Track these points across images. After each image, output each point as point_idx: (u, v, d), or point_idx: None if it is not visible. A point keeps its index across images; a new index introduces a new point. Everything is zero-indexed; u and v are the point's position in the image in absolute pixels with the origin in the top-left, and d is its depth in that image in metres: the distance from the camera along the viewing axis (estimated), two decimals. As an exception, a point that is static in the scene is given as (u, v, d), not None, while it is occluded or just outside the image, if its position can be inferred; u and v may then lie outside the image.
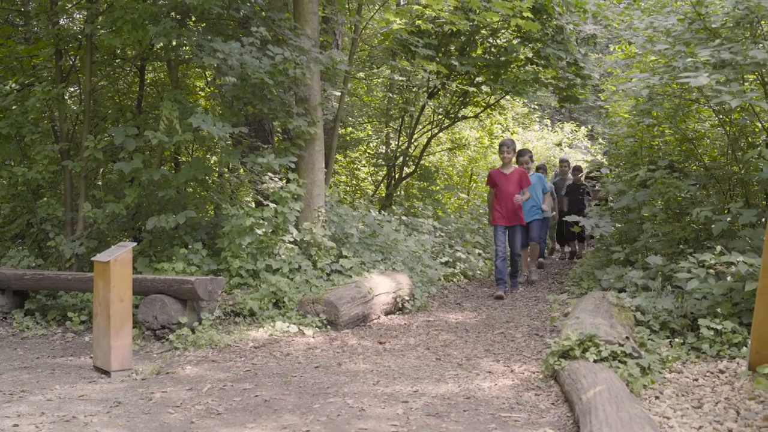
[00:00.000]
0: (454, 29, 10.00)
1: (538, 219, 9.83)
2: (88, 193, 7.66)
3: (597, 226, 8.21)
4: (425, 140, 12.31)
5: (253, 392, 4.50)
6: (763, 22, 6.54)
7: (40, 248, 8.02)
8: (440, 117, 12.19)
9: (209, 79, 9.40)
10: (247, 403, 4.25)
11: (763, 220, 6.35)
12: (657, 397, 4.13)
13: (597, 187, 11.88)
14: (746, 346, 4.76)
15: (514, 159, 8.69)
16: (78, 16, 8.94)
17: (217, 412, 4.09)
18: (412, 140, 11.99)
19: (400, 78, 10.74)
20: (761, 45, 6.23)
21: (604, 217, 8.48)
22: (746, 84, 6.70)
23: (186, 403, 4.27)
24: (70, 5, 8.14)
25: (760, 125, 6.93)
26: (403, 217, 9.78)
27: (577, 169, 12.38)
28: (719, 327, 5.02)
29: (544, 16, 10.07)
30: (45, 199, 8.32)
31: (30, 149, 8.01)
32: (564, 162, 12.58)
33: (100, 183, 8.39)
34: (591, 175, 12.19)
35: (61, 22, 8.25)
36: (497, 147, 9.71)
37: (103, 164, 7.75)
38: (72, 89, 8.73)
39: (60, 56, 7.82)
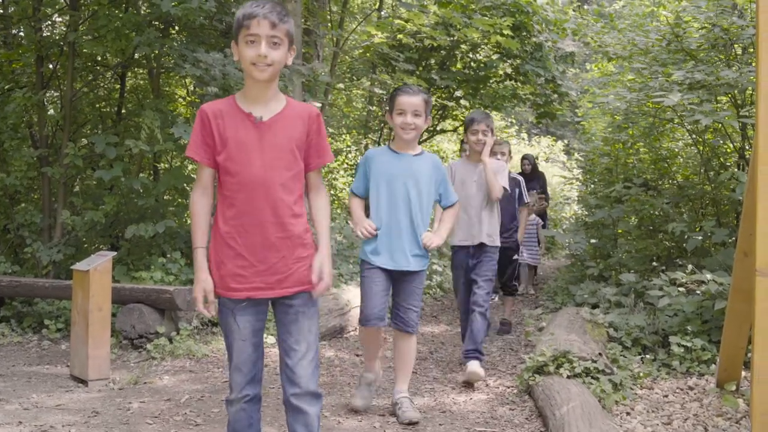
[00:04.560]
0: (435, 44, 10.12)
1: (425, 263, 4.35)
2: (66, 200, 7.64)
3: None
4: (404, 152, 12.38)
5: (230, 403, 4.52)
6: (736, 45, 6.71)
7: (16, 254, 7.96)
8: (419, 130, 12.27)
9: (190, 87, 9.42)
10: (225, 415, 4.27)
11: (734, 239, 6.50)
12: (628, 413, 4.22)
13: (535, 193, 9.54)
14: (715, 363, 4.87)
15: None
16: (59, 19, 8.91)
17: (195, 424, 4.11)
18: (391, 152, 12.05)
19: (381, 91, 10.83)
20: (735, 67, 6.40)
21: (579, 233, 8.59)
22: (718, 105, 6.86)
23: (164, 413, 4.29)
24: (51, 11, 8.14)
25: (732, 146, 7.09)
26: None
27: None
28: (689, 344, 5.14)
29: (524, 33, 10.23)
30: (22, 205, 8.28)
31: (8, 155, 7.98)
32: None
33: (78, 190, 8.36)
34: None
35: (43, 27, 8.22)
36: None
37: (82, 171, 7.74)
38: (49, 94, 8.70)
39: (41, 62, 7.81)
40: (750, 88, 6.20)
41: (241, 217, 2.82)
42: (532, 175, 9.98)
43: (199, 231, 2.87)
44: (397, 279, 4.25)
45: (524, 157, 10.50)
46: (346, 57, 11.52)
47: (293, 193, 2.87)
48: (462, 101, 11.40)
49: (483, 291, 5.27)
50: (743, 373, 4.53)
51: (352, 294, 7.16)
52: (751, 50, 6.56)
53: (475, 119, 5.31)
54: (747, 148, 6.68)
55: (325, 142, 2.98)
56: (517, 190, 6.60)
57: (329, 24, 9.97)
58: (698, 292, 5.54)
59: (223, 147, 2.83)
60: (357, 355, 6.00)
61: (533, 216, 9.14)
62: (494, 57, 10.73)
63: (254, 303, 2.88)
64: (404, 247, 4.20)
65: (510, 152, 6.80)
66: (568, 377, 4.49)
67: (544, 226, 9.93)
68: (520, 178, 6.84)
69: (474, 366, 4.98)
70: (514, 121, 19.01)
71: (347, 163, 13.52)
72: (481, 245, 5.32)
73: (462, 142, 6.92)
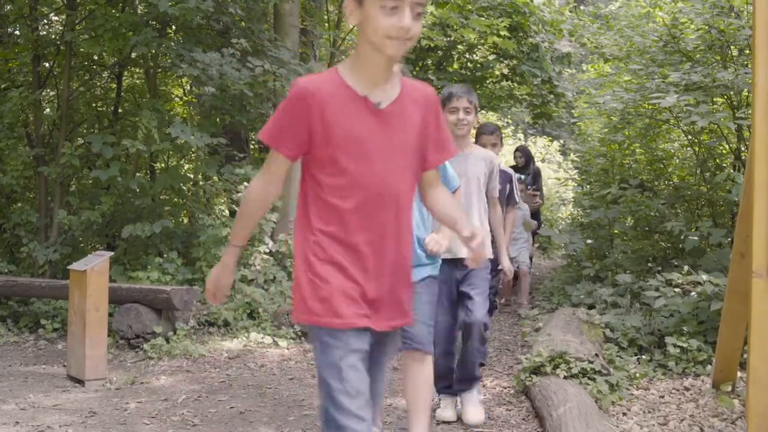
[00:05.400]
0: (432, 44, 10.12)
1: (427, 270, 3.56)
2: (62, 199, 7.63)
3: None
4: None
5: (228, 404, 4.53)
6: (732, 47, 6.73)
7: (13, 254, 7.96)
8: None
9: (187, 87, 9.42)
10: (222, 415, 4.29)
11: (730, 240, 6.51)
12: (624, 414, 4.23)
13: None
14: (711, 364, 4.88)
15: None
16: (55, 18, 8.91)
17: (193, 424, 4.11)
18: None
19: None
20: (731, 68, 6.42)
21: (575, 234, 8.58)
22: (714, 106, 6.88)
23: (161, 414, 4.29)
24: (48, 10, 8.13)
25: (727, 147, 7.11)
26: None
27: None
28: (685, 345, 5.14)
29: (520, 34, 10.25)
30: (19, 204, 8.27)
31: (4, 154, 7.97)
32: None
33: (74, 189, 8.35)
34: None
35: (39, 26, 8.21)
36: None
37: (78, 171, 7.73)
38: (45, 93, 8.69)
39: (38, 61, 7.80)
40: (746, 89, 6.22)
41: (351, 232, 2.15)
42: (526, 170, 9.10)
43: (246, 227, 2.29)
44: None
45: (518, 149, 9.69)
46: (343, 57, 11.52)
47: (412, 204, 2.28)
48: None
49: (477, 306, 4.00)
50: (739, 374, 4.55)
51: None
52: (748, 52, 6.57)
53: (454, 93, 4.05)
54: (743, 149, 6.70)
55: (447, 132, 2.33)
56: (508, 186, 5.18)
57: (326, 24, 9.96)
58: (694, 293, 5.55)
59: (327, 139, 2.12)
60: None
61: None
62: (491, 57, 10.74)
63: (363, 341, 2.17)
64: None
65: (501, 141, 5.68)
66: (565, 378, 4.49)
67: (538, 227, 9.32)
68: (512, 172, 5.61)
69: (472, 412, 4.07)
70: (510, 121, 19.01)
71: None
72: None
73: None
